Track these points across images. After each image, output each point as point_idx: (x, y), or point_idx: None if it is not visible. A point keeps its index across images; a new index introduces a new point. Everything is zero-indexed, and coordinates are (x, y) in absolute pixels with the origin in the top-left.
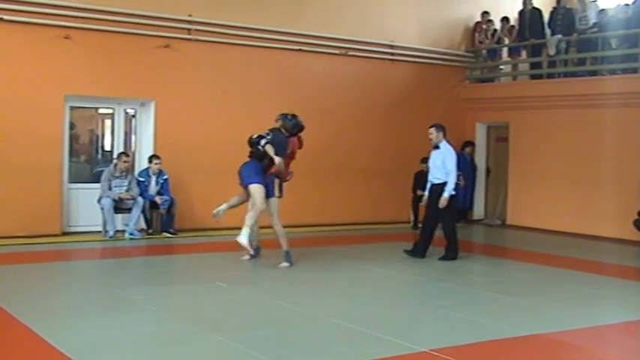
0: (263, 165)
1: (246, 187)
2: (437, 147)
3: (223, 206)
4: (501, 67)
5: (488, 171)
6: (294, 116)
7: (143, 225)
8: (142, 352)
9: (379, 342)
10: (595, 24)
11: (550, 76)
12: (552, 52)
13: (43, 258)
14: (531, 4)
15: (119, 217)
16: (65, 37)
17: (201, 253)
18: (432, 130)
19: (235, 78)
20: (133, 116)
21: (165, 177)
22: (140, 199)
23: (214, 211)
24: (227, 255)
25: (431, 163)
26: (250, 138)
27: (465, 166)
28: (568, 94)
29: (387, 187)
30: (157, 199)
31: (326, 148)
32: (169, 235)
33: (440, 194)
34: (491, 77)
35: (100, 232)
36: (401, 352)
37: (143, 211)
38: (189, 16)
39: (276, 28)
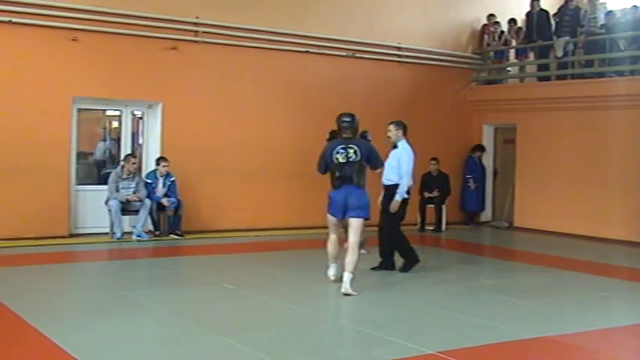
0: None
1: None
2: (395, 146)
3: (332, 269)
4: (508, 68)
5: (495, 173)
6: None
7: (150, 227)
8: (149, 354)
9: (385, 344)
10: (603, 25)
11: (558, 77)
12: (560, 53)
13: (50, 260)
14: (539, 5)
15: (126, 219)
16: (73, 39)
17: (208, 255)
18: (392, 127)
19: (242, 80)
20: (141, 118)
21: (172, 179)
22: (147, 201)
23: (332, 277)
24: (234, 257)
25: (387, 163)
26: (345, 161)
27: (475, 168)
28: (575, 95)
29: None
30: (164, 201)
31: None
32: (176, 237)
33: (388, 196)
34: (498, 79)
35: (107, 233)
36: (407, 354)
37: (150, 213)
38: (197, 18)
39: (283, 30)
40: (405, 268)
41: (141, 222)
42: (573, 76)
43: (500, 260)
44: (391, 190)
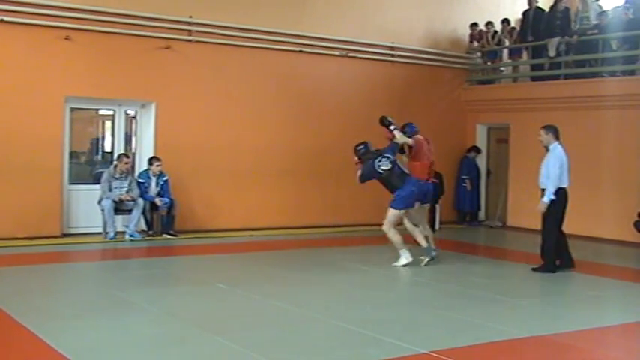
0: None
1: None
2: (547, 150)
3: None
4: (502, 68)
5: (488, 173)
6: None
7: (143, 226)
8: (142, 354)
9: (379, 343)
10: (595, 25)
11: (551, 77)
12: (552, 53)
13: (43, 259)
14: (536, 3)
15: (119, 219)
16: (66, 39)
17: (201, 255)
18: (542, 131)
19: (236, 79)
20: (134, 118)
21: (165, 178)
22: (140, 201)
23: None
24: (227, 256)
25: (542, 167)
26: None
27: (471, 169)
28: (568, 95)
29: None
30: (157, 200)
31: (326, 150)
32: (170, 237)
33: (551, 200)
34: (491, 79)
35: (100, 233)
36: (401, 353)
37: (143, 213)
38: (190, 17)
39: (276, 30)
40: (539, 269)
41: (134, 222)
42: (566, 76)
43: (494, 259)
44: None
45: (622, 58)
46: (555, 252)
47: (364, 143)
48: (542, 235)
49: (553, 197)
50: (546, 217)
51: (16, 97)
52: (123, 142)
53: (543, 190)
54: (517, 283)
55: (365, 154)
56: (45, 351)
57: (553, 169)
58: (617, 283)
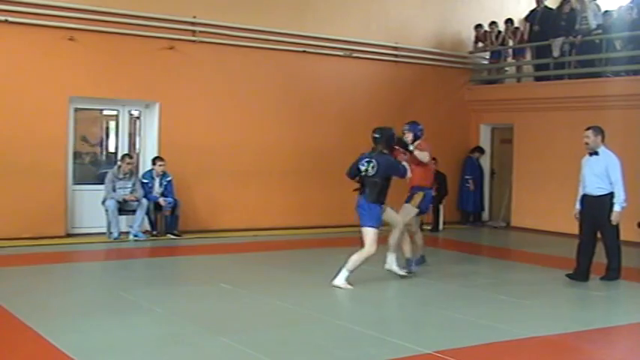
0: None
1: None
2: (594, 153)
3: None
4: (506, 68)
5: (492, 173)
6: (385, 129)
7: (147, 226)
8: (146, 354)
9: (383, 344)
10: (599, 25)
11: (555, 77)
12: (556, 53)
13: (47, 259)
14: (543, 2)
15: (123, 219)
16: (69, 39)
17: (205, 255)
18: (590, 132)
19: (240, 79)
20: (138, 118)
21: (168, 178)
22: (144, 201)
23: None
24: (231, 257)
25: (587, 171)
26: (364, 174)
27: (474, 170)
28: (572, 95)
29: (392, 188)
30: (161, 200)
31: (330, 149)
32: (173, 237)
33: (601, 207)
34: (495, 79)
35: (104, 233)
36: (405, 353)
37: (147, 213)
38: (194, 17)
39: (280, 30)
40: (607, 278)
41: (138, 222)
42: (570, 76)
43: (498, 259)
44: (602, 199)
45: (626, 58)
46: (619, 257)
47: (380, 130)
48: (605, 244)
49: (625, 204)
50: (607, 224)
51: (20, 98)
52: (127, 142)
53: (598, 196)
54: (521, 284)
55: (377, 141)
56: (49, 351)
57: (615, 174)
58: (620, 284)
